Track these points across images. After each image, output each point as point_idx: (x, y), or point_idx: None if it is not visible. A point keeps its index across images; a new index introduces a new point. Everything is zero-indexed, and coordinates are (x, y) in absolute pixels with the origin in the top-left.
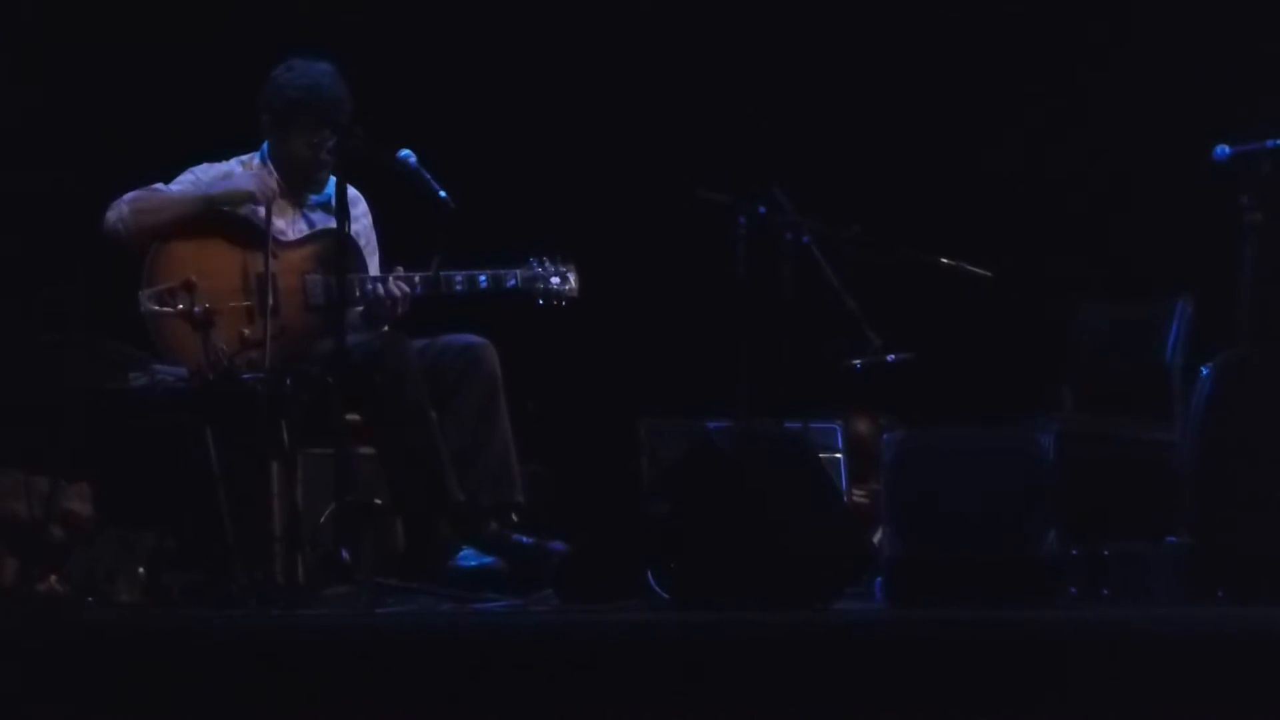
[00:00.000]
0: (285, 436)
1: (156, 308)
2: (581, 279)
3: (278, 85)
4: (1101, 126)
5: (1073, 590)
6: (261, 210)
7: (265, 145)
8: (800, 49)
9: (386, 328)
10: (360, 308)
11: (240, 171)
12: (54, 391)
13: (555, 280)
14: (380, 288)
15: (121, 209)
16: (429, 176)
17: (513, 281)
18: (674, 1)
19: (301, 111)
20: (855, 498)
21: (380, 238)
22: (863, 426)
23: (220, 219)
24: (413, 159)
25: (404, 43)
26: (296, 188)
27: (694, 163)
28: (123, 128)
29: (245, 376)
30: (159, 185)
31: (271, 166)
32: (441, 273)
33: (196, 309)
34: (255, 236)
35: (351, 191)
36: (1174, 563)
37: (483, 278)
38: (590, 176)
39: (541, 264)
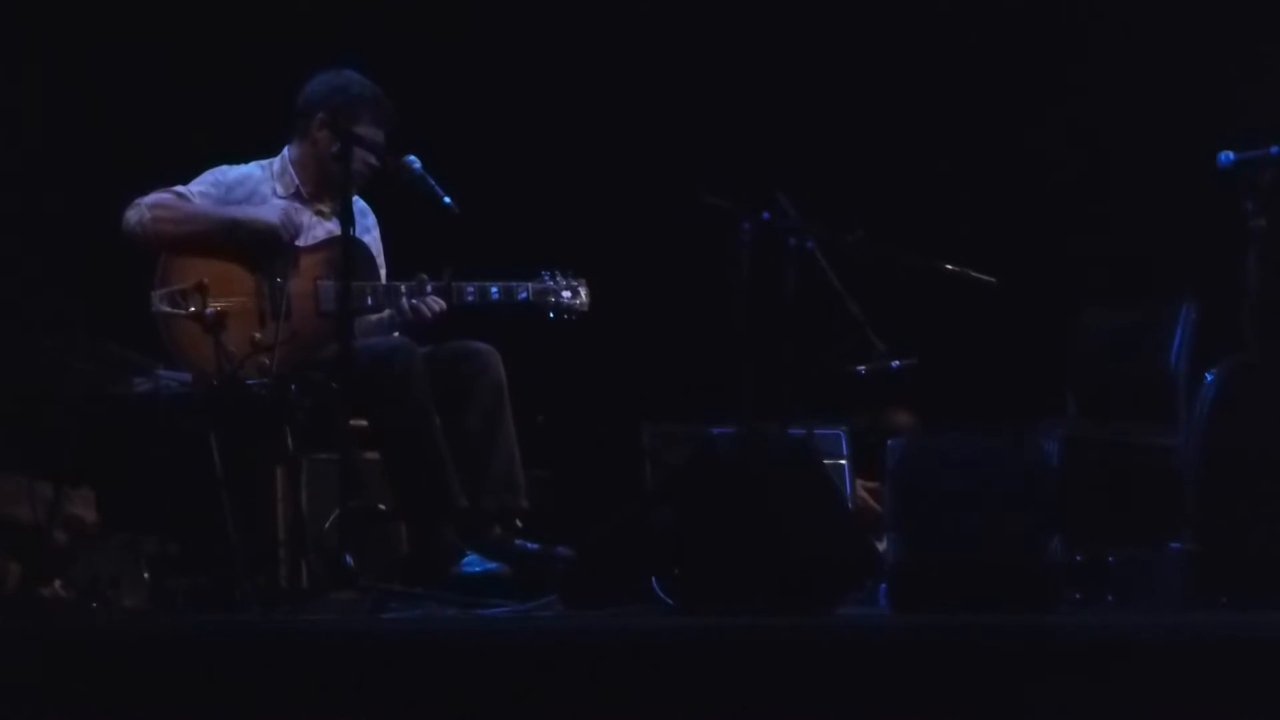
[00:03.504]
0: (290, 442)
1: (168, 309)
2: (590, 289)
3: (336, 85)
4: (1106, 132)
5: (1077, 596)
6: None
7: (286, 150)
8: (803, 54)
9: (397, 333)
10: (389, 312)
11: (260, 175)
12: (58, 396)
13: (566, 294)
14: (425, 306)
15: (143, 211)
16: (434, 182)
17: (524, 294)
18: (679, 8)
19: (366, 109)
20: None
21: (385, 245)
22: (903, 419)
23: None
24: (417, 164)
25: (412, 60)
26: (321, 194)
27: (697, 168)
28: (130, 129)
29: (250, 382)
30: (180, 189)
31: (294, 170)
32: (453, 283)
33: (208, 311)
34: (270, 243)
35: (360, 203)
36: (1178, 568)
37: (494, 289)
38: (593, 182)
39: (553, 277)
